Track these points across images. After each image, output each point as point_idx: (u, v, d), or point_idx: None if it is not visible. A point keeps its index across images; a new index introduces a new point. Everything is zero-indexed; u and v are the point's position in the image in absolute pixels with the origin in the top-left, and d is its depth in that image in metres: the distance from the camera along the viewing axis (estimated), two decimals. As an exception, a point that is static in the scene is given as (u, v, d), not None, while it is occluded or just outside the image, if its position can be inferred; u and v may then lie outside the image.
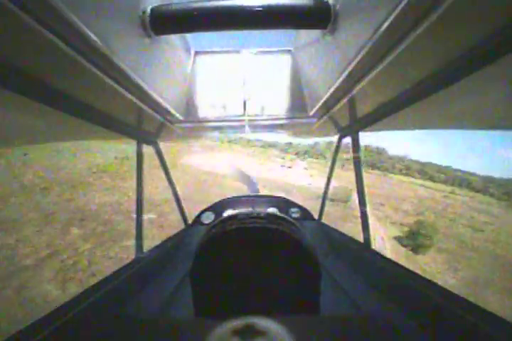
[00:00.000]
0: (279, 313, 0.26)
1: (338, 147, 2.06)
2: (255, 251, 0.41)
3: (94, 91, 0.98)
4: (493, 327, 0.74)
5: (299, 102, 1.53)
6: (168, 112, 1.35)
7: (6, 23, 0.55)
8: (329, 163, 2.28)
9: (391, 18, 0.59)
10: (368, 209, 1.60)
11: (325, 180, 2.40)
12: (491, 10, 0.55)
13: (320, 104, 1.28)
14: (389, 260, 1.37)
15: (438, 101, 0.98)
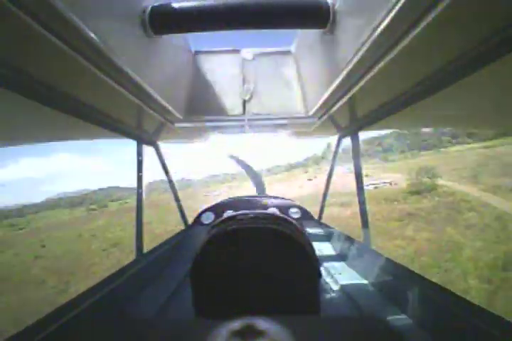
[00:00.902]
0: (279, 313, 0.26)
1: (337, 147, 2.06)
2: (255, 252, 0.41)
3: (94, 91, 0.98)
4: (493, 327, 0.74)
5: (298, 102, 1.53)
6: (168, 112, 1.35)
7: (6, 23, 0.55)
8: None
9: (390, 17, 0.59)
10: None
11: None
12: (489, 10, 0.55)
13: (319, 104, 1.28)
14: (389, 260, 1.37)
15: (437, 101, 0.98)
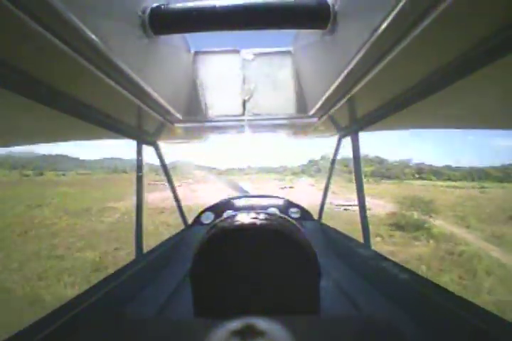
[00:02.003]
0: (278, 313, 0.26)
1: (337, 147, 2.07)
2: (255, 251, 0.41)
3: (93, 91, 0.98)
4: (493, 327, 0.74)
5: (298, 102, 1.53)
6: (168, 112, 1.35)
7: (5, 23, 0.55)
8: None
9: (390, 18, 0.59)
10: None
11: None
12: (490, 10, 0.55)
13: (319, 104, 1.28)
14: (389, 260, 1.37)
15: (437, 101, 0.98)
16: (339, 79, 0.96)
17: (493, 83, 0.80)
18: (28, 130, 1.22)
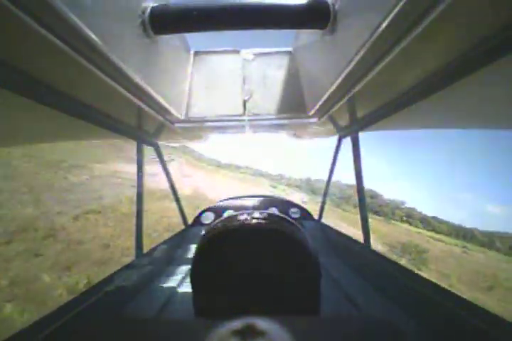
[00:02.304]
0: (278, 313, 0.26)
1: (338, 147, 2.07)
2: (255, 252, 0.41)
3: (93, 91, 0.98)
4: (493, 327, 0.74)
5: (298, 102, 1.53)
6: (168, 112, 1.35)
7: (5, 23, 0.55)
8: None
9: (390, 17, 0.59)
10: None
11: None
12: (491, 9, 0.55)
13: (320, 104, 1.28)
14: (389, 260, 1.37)
15: (438, 101, 0.98)
16: (339, 79, 0.96)
17: (494, 83, 0.80)
18: (27, 130, 1.22)
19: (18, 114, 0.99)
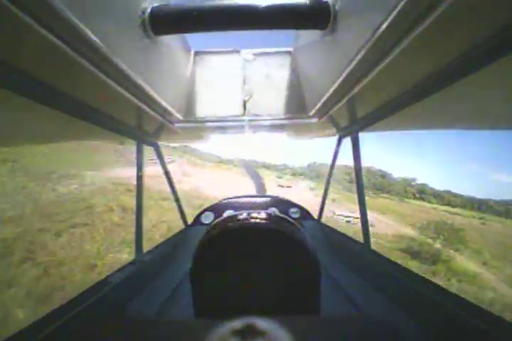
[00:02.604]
0: (278, 313, 0.26)
1: (337, 147, 2.07)
2: (255, 251, 0.41)
3: (93, 92, 0.98)
4: (493, 327, 0.74)
5: (298, 102, 1.53)
6: (168, 112, 1.35)
7: (5, 23, 0.55)
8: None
9: (391, 17, 0.59)
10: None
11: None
12: (491, 9, 0.55)
13: (320, 104, 1.28)
14: (389, 260, 1.37)
15: (438, 102, 0.98)
16: (339, 79, 0.96)
17: (494, 83, 0.80)
18: (27, 130, 1.22)
19: (18, 114, 0.99)
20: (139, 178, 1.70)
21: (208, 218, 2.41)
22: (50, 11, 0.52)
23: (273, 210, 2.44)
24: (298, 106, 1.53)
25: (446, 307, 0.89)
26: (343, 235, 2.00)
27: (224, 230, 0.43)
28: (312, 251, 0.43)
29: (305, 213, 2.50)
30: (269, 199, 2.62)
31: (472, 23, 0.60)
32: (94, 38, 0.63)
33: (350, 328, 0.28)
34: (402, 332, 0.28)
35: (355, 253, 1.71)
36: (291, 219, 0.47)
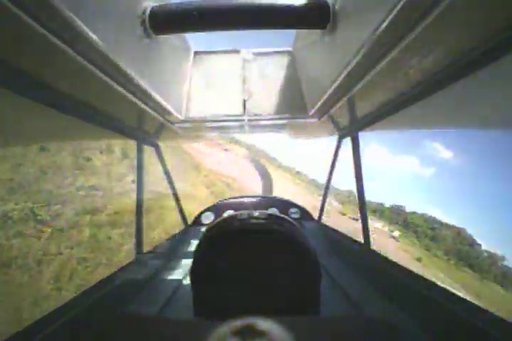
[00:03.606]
0: (278, 313, 0.25)
1: (338, 147, 2.07)
2: (255, 252, 0.41)
3: (93, 91, 0.98)
4: (493, 327, 0.74)
5: (298, 102, 1.53)
6: (168, 112, 1.35)
7: (5, 23, 0.55)
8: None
9: (390, 17, 0.59)
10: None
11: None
12: (491, 10, 0.55)
13: (319, 104, 1.28)
14: (389, 261, 1.37)
15: (438, 101, 0.97)
16: (339, 79, 0.96)
17: (495, 84, 0.80)
18: (27, 130, 1.22)
19: (18, 114, 0.99)
20: (139, 179, 1.70)
21: (208, 218, 2.42)
22: (50, 10, 0.52)
23: (273, 210, 2.44)
24: (298, 105, 1.52)
25: (446, 307, 0.89)
26: (343, 235, 2.00)
27: (224, 230, 0.43)
28: (312, 251, 0.43)
29: (305, 213, 2.50)
30: (269, 199, 2.62)
31: (472, 23, 0.60)
32: (93, 37, 0.63)
33: (350, 328, 0.28)
34: (402, 332, 0.28)
35: (355, 253, 1.71)
36: (291, 219, 0.47)
